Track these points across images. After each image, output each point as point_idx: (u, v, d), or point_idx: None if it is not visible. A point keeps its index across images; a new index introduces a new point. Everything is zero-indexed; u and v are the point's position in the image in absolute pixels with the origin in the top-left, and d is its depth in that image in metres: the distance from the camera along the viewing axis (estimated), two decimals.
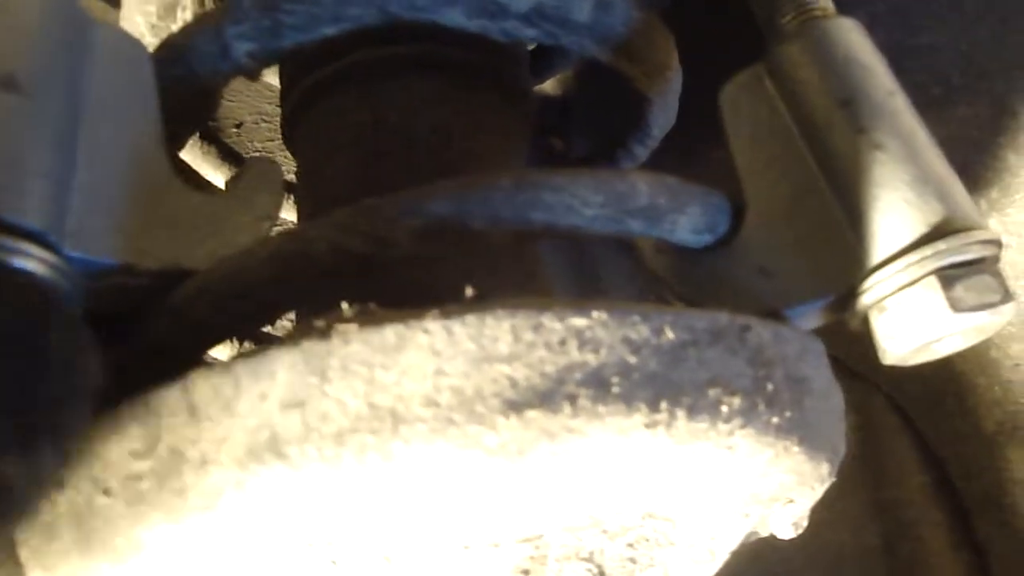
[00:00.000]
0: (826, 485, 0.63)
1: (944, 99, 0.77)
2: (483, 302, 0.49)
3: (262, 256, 0.55)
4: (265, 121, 1.02)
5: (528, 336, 0.48)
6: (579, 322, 0.49)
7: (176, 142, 0.63)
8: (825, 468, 0.61)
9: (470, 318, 0.48)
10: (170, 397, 0.50)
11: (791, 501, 0.63)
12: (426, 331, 0.48)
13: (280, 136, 1.02)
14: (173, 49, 0.65)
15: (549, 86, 1.00)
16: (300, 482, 0.48)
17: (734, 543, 0.64)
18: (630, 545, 0.60)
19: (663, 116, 0.80)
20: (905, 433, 0.92)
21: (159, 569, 0.53)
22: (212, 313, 0.55)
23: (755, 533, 0.68)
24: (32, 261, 0.51)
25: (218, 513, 0.50)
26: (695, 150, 0.90)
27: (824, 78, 0.64)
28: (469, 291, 0.50)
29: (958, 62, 0.89)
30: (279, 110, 1.06)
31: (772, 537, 0.70)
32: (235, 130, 0.99)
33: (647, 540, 0.61)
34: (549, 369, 0.48)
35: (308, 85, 0.77)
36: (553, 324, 0.49)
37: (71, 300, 0.54)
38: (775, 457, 0.56)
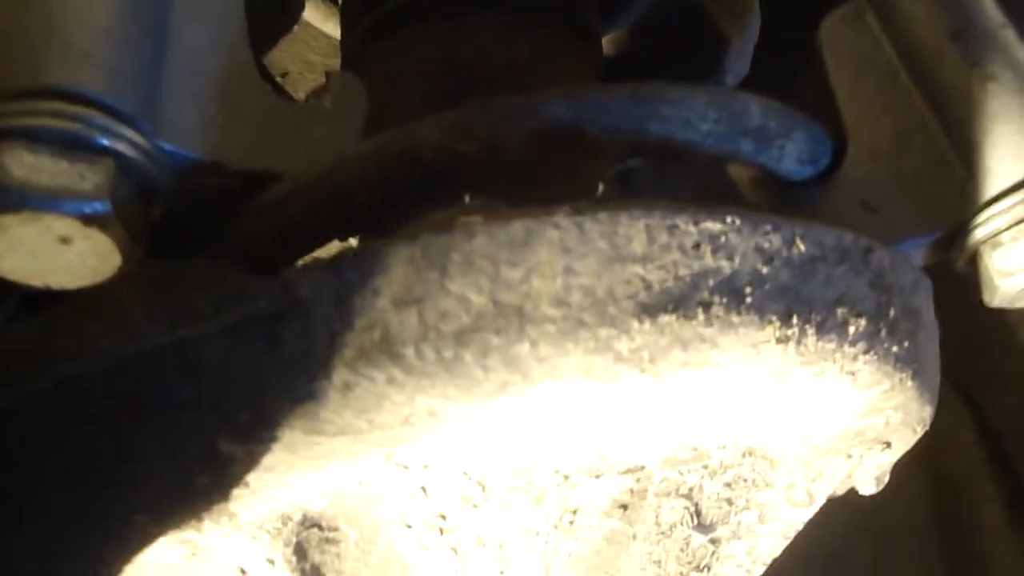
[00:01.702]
0: (924, 430, 0.61)
1: None
2: (615, 200, 0.46)
3: (362, 155, 0.52)
4: (311, 71, 0.99)
5: (663, 237, 0.46)
6: (713, 226, 0.47)
7: (257, 51, 0.60)
8: (928, 410, 0.59)
9: (603, 215, 0.45)
10: (271, 293, 0.46)
11: (888, 446, 0.60)
12: (557, 227, 0.45)
13: None
14: None
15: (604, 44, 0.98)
16: (413, 387, 0.45)
17: (832, 486, 0.61)
18: (728, 485, 0.58)
19: (739, 62, 0.78)
20: (963, 407, 0.90)
21: None
22: (305, 214, 0.52)
23: (833, 492, 0.66)
24: (124, 144, 0.48)
25: (318, 422, 0.46)
26: None
27: (932, 10, 0.62)
28: (601, 188, 0.47)
29: None
30: (324, 60, 1.04)
31: (833, 506, 0.68)
32: (280, 79, 0.96)
33: (745, 480, 0.58)
34: (683, 273, 0.46)
35: (377, 18, 0.74)
36: (688, 227, 0.46)
37: (159, 193, 0.50)
38: (890, 389, 0.54)
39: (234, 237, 0.53)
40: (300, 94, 0.99)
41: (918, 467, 0.90)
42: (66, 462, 0.45)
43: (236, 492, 0.46)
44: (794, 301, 0.48)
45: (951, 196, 0.59)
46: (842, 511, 0.71)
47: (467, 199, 0.46)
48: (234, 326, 0.44)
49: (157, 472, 0.45)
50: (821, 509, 0.67)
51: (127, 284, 0.47)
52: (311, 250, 0.54)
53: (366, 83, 0.75)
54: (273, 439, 0.45)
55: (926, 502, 0.91)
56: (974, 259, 0.59)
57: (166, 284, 0.46)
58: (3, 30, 0.49)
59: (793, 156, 0.59)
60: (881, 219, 0.61)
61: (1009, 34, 0.61)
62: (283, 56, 0.97)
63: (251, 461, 0.45)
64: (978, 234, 0.58)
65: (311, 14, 0.92)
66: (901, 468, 0.68)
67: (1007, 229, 0.57)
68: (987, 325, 0.65)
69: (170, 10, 0.53)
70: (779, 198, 0.63)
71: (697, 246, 0.46)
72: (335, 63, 1.04)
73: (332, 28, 0.95)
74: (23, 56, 0.48)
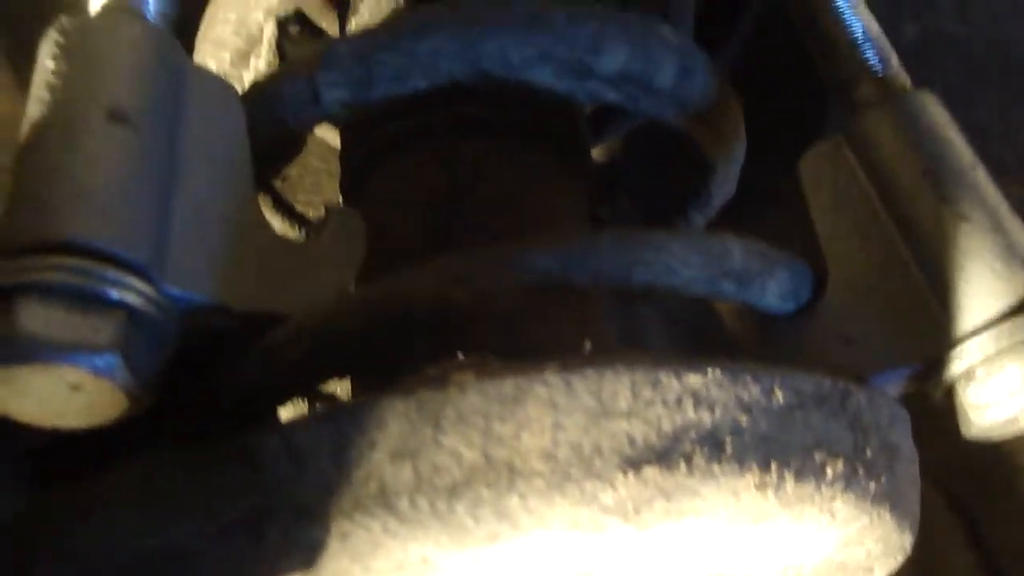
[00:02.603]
0: (905, 556, 0.62)
1: (995, 179, 0.77)
2: (601, 356, 0.48)
3: (360, 302, 0.54)
4: (310, 176, 1.02)
5: (647, 393, 0.48)
6: (695, 380, 0.49)
7: (258, 185, 0.62)
8: (908, 538, 0.60)
9: (590, 372, 0.48)
10: (270, 443, 0.49)
11: (870, 571, 0.62)
12: (545, 384, 0.47)
13: (323, 190, 1.02)
14: (261, 93, 0.65)
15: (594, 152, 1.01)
16: (407, 536, 0.47)
17: None
18: None
19: (726, 185, 0.80)
20: (951, 512, 0.92)
21: None
22: (307, 358, 0.54)
23: None
24: (132, 294, 0.50)
25: (314, 570, 0.48)
26: (744, 223, 0.90)
27: (907, 149, 0.64)
28: (588, 345, 0.50)
29: (1009, 139, 0.91)
30: (324, 165, 1.07)
31: None
32: (280, 184, 0.99)
33: None
34: (666, 427, 0.48)
35: (377, 141, 0.77)
36: (671, 381, 0.48)
37: (168, 339, 0.52)
38: (869, 524, 0.56)
39: (237, 378, 0.55)
40: (298, 196, 1.02)
41: (906, 573, 0.91)
42: None
43: None
44: (773, 448, 0.50)
45: (927, 330, 0.61)
46: None
47: (460, 355, 0.49)
48: (222, 527, 0.46)
49: None
50: None
51: (122, 480, 0.49)
52: (310, 390, 0.56)
53: (364, 207, 0.78)
54: None
55: None
56: (950, 392, 0.62)
57: (159, 481, 0.48)
58: (20, 184, 0.52)
59: (775, 293, 0.61)
60: (859, 351, 0.63)
61: (980, 174, 0.64)
62: None
63: None
64: (953, 368, 0.60)
65: None
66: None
67: (980, 364, 0.59)
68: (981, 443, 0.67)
69: (179, 156, 0.56)
70: (761, 330, 0.65)
71: (679, 400, 0.48)
72: (333, 167, 1.07)
73: (331, 136, 0.98)
74: (40, 210, 0.50)
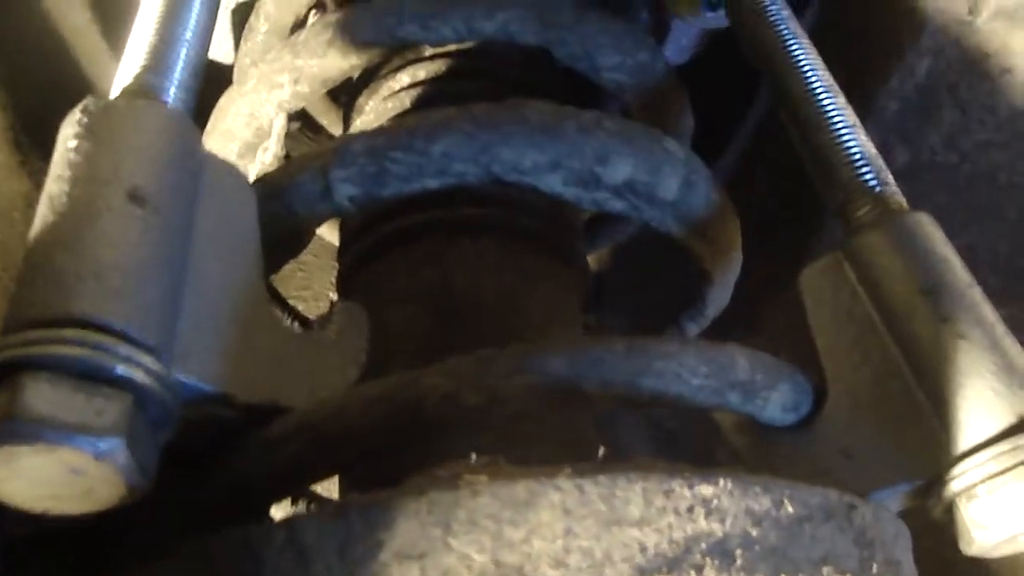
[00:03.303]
0: None
1: None
2: (614, 463, 0.48)
3: (369, 398, 0.54)
4: (301, 270, 1.02)
5: (659, 501, 0.48)
6: (706, 490, 0.49)
7: (266, 276, 0.62)
8: None
9: (602, 479, 0.47)
10: (274, 537, 0.47)
11: None
12: (558, 488, 0.47)
13: (314, 285, 1.02)
14: (273, 185, 0.65)
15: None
16: None
17: None
18: None
19: (720, 297, 0.81)
20: None
21: None
22: (309, 452, 0.53)
23: None
24: (143, 374, 0.49)
25: None
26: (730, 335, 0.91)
27: (906, 268, 0.66)
28: (602, 451, 0.49)
29: (995, 264, 0.93)
30: (317, 260, 1.07)
31: None
32: (272, 276, 0.99)
33: None
34: (677, 536, 0.47)
35: (379, 235, 0.77)
36: (683, 490, 0.48)
37: (170, 424, 0.51)
38: None
39: (229, 470, 0.54)
40: (291, 291, 1.02)
41: None
42: None
43: None
44: (781, 561, 0.49)
45: (927, 447, 0.61)
46: None
47: (473, 457, 0.48)
48: None
49: None
50: None
51: None
52: (310, 484, 0.55)
53: (362, 299, 0.78)
54: None
55: None
56: (951, 508, 0.61)
57: None
58: (34, 260, 0.51)
59: (777, 405, 0.61)
60: (859, 466, 0.63)
61: (977, 293, 0.65)
62: None
63: None
64: (954, 486, 0.60)
65: None
66: None
67: (982, 482, 0.59)
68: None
69: (192, 242, 0.56)
70: (760, 442, 0.65)
71: (691, 509, 0.48)
72: (325, 261, 1.08)
73: (325, 231, 0.98)
74: (52, 285, 0.49)
